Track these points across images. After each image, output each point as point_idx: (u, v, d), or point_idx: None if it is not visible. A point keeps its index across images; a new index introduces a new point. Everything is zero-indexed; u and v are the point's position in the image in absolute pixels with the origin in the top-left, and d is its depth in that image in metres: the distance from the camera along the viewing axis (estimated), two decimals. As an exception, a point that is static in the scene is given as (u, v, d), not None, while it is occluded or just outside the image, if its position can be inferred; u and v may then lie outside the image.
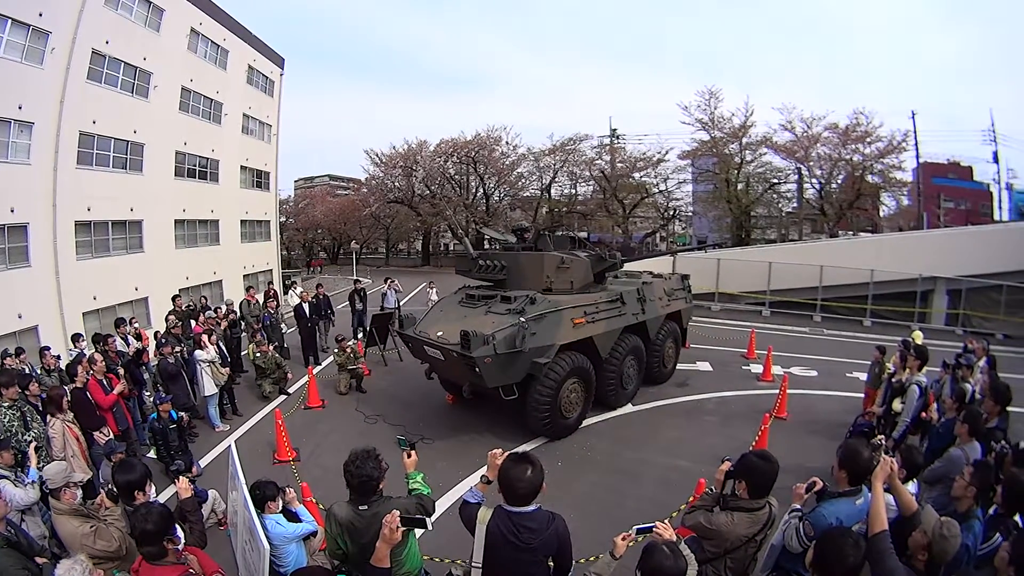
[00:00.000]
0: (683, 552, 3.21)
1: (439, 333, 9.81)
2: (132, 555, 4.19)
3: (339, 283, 37.54)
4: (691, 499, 6.66)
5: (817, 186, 42.87)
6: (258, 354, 12.74)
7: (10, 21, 15.26)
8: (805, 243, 35.91)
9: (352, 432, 10.65)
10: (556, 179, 52.94)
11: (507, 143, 51.19)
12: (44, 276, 16.82)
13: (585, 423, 10.66)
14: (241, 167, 29.44)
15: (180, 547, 3.84)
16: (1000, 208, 46.59)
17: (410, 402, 12.33)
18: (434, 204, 53.13)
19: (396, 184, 56.01)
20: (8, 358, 9.91)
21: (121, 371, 9.48)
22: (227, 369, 11.27)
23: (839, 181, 41.81)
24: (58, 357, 10.52)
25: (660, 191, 49.60)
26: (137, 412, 10.08)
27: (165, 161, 22.87)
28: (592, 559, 5.39)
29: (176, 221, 23.77)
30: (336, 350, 13.34)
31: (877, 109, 58.11)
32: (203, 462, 9.28)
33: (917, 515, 3.93)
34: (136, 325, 13.34)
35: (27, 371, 9.33)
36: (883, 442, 5.99)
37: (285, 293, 26.93)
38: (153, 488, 5.10)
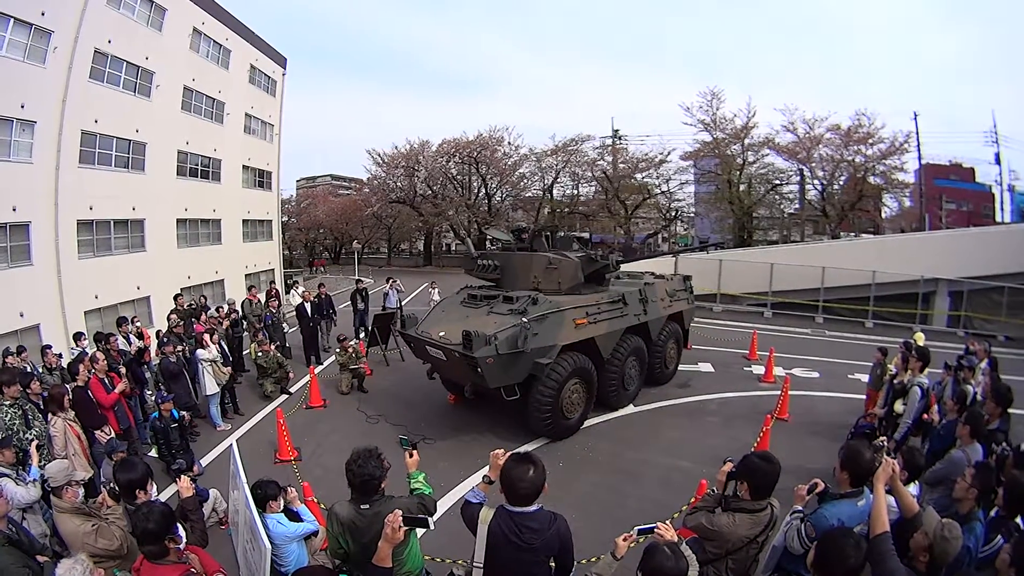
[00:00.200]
0: (684, 553, 3.21)
1: (441, 333, 9.80)
2: (133, 554, 4.19)
3: (341, 283, 37.54)
4: (692, 500, 6.66)
5: (819, 187, 42.90)
6: (260, 353, 12.74)
7: (12, 20, 15.32)
8: (807, 244, 35.86)
9: (354, 432, 10.64)
10: (558, 180, 52.96)
11: (509, 143, 51.27)
12: (46, 275, 16.86)
13: (587, 424, 10.65)
14: (243, 166, 29.51)
15: (182, 546, 3.84)
16: (1002, 210, 46.58)
17: (412, 402, 12.33)
18: (436, 204, 53.20)
19: (398, 184, 56.10)
20: (10, 356, 9.92)
21: (123, 370, 9.47)
22: (229, 368, 11.27)
23: (841, 182, 41.82)
24: (59, 355, 10.53)
25: (662, 192, 49.65)
26: (139, 411, 10.09)
27: (167, 160, 22.93)
28: (593, 560, 5.38)
29: (178, 220, 23.83)
30: (338, 350, 13.35)
31: (879, 110, 58.17)
32: (204, 461, 9.28)
33: (918, 517, 3.92)
34: (138, 324, 13.33)
35: (28, 369, 9.33)
36: (885, 443, 5.98)
37: (287, 292, 26.95)
38: (154, 487, 5.10)
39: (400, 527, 3.29)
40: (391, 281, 19.50)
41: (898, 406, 8.18)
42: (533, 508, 3.52)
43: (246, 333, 15.21)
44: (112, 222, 19.86)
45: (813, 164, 41.25)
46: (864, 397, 10.87)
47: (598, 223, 49.97)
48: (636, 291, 11.70)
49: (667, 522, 3.55)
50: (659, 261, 24.18)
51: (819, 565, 3.21)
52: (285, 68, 33.49)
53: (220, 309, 15.24)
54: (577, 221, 51.03)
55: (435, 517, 3.67)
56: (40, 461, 6.21)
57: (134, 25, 20.09)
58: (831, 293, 24.32)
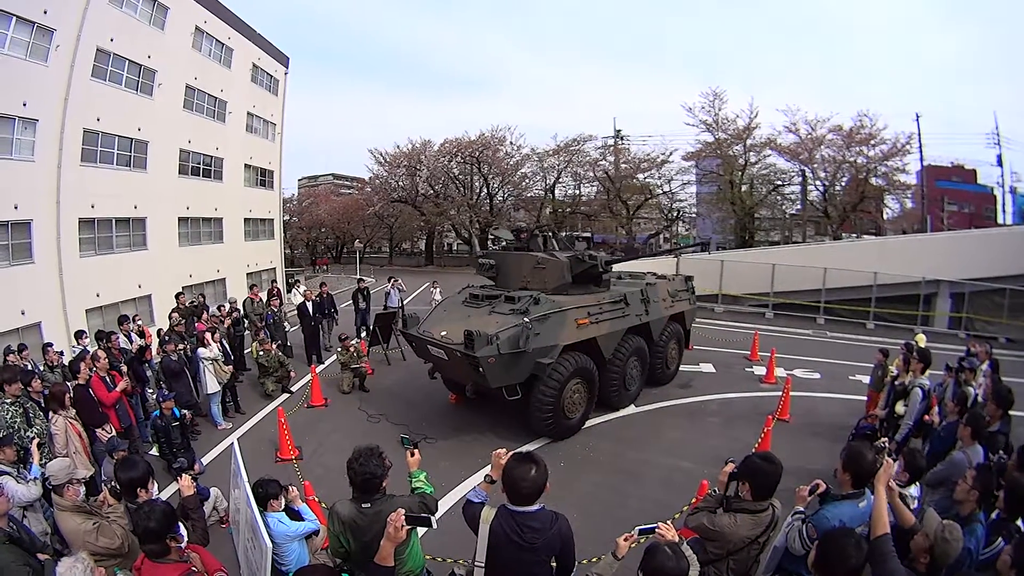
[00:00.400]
0: (685, 553, 3.21)
1: (443, 333, 9.80)
2: (134, 553, 4.20)
3: (342, 282, 37.55)
4: (694, 500, 6.65)
5: (821, 188, 42.90)
6: (261, 352, 12.76)
7: (15, 18, 15.31)
8: (809, 245, 35.87)
9: (355, 431, 10.64)
10: (560, 180, 53.05)
11: (511, 143, 51.25)
12: (47, 273, 16.86)
13: (588, 424, 10.65)
14: (245, 165, 29.48)
15: (183, 545, 3.84)
16: (1004, 211, 46.58)
17: (413, 401, 12.33)
18: (438, 204, 53.22)
19: (400, 183, 56.16)
20: (11, 355, 9.93)
21: (124, 368, 9.49)
22: (230, 367, 11.28)
23: (843, 183, 41.83)
24: (61, 353, 10.52)
25: (664, 192, 49.72)
26: (140, 409, 10.11)
27: (169, 159, 22.92)
28: (594, 560, 5.38)
29: (180, 219, 23.81)
30: (339, 349, 13.36)
31: (881, 111, 57.98)
32: (205, 460, 9.28)
33: (919, 519, 3.93)
34: (139, 322, 13.34)
35: (30, 368, 9.33)
36: (886, 445, 5.98)
37: (288, 292, 26.97)
38: (155, 485, 5.10)
39: (403, 526, 3.29)
40: (393, 280, 19.50)
41: (899, 407, 8.19)
42: (535, 508, 3.53)
43: (247, 332, 15.22)
44: (114, 220, 19.86)
45: (815, 165, 41.27)
46: (865, 398, 10.88)
47: (600, 223, 50.08)
48: (638, 291, 11.71)
49: (668, 522, 3.55)
50: (660, 261, 24.19)
51: (820, 565, 3.20)
52: (287, 67, 33.48)
53: (222, 308, 15.25)
54: (579, 221, 51.11)
55: (436, 516, 3.66)
56: (41, 459, 6.22)
57: (136, 24, 20.09)
58: (832, 294, 24.31)
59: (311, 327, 15.55)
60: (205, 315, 14.25)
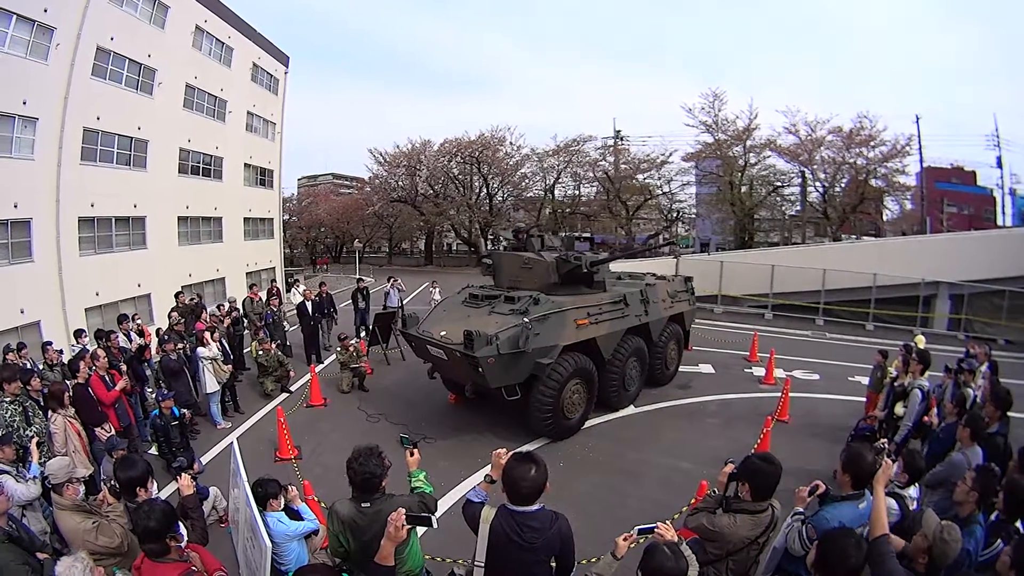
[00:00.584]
0: (684, 553, 3.21)
1: (442, 333, 9.81)
2: (134, 552, 4.20)
3: (342, 282, 37.54)
4: (693, 501, 6.66)
5: (820, 189, 42.91)
6: (260, 352, 12.76)
7: (15, 16, 15.29)
8: (808, 246, 35.87)
9: (354, 431, 10.65)
10: (560, 180, 53.08)
11: (511, 143, 51.28)
12: (47, 272, 16.84)
13: (587, 424, 10.66)
14: (245, 165, 29.44)
15: (183, 544, 3.84)
16: (1003, 213, 46.63)
17: (412, 401, 12.33)
18: (437, 204, 53.23)
19: (400, 183, 56.16)
20: (10, 353, 9.92)
21: (123, 367, 9.48)
22: (229, 366, 11.29)
23: (843, 185, 41.85)
24: (60, 352, 10.51)
25: (663, 193, 49.75)
26: (139, 408, 10.11)
27: (169, 158, 22.90)
28: (594, 560, 5.39)
29: (179, 218, 23.78)
30: (339, 348, 13.36)
31: (880, 112, 58.03)
32: (205, 459, 9.27)
33: (917, 519, 3.93)
34: (139, 321, 13.31)
35: (29, 366, 9.33)
36: (886, 446, 5.99)
37: (288, 291, 26.96)
38: (155, 485, 5.10)
39: (403, 525, 3.30)
40: (392, 280, 19.51)
41: (898, 408, 8.20)
42: (535, 507, 3.53)
43: (247, 331, 15.23)
44: (113, 219, 19.84)
45: (815, 166, 41.27)
46: (864, 399, 10.89)
47: (599, 224, 50.03)
48: (637, 292, 11.72)
49: (667, 522, 3.55)
50: (659, 262, 24.22)
51: (820, 565, 3.21)
52: (287, 66, 33.45)
53: (221, 307, 15.24)
54: (579, 222, 51.09)
55: (436, 516, 3.67)
56: (40, 458, 6.21)
57: (136, 22, 20.07)
58: (832, 295, 24.31)
59: (310, 327, 15.55)
60: (204, 314, 14.24)
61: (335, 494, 4.50)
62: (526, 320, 9.15)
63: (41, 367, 9.82)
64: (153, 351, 11.65)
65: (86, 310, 18.16)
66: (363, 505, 3.77)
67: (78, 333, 11.97)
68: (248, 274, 29.21)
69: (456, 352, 9.08)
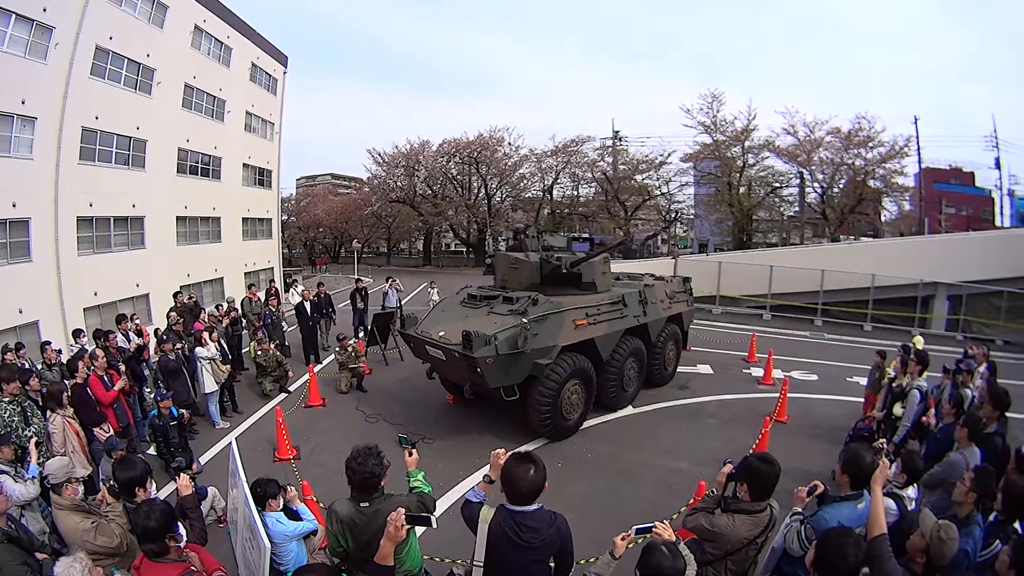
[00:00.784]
0: (682, 552, 3.22)
1: (441, 333, 9.81)
2: (133, 552, 4.20)
3: (340, 282, 37.54)
4: (691, 501, 6.67)
5: (819, 190, 43.05)
6: (259, 352, 12.75)
7: (14, 16, 15.29)
8: (806, 247, 35.96)
9: (352, 431, 10.64)
10: (558, 180, 53.20)
11: (509, 144, 51.42)
12: (45, 271, 16.84)
13: (586, 424, 10.65)
14: (243, 165, 29.46)
15: (182, 544, 3.84)
16: (1002, 214, 46.66)
17: (411, 402, 12.33)
18: (436, 204, 53.29)
19: (398, 184, 56.23)
20: (8, 353, 9.91)
21: (122, 367, 9.48)
22: (228, 366, 11.27)
23: (841, 185, 41.97)
24: (59, 352, 10.50)
25: (662, 193, 49.89)
26: (137, 408, 10.10)
27: (167, 158, 22.90)
28: (592, 559, 5.39)
29: (178, 218, 23.78)
30: (337, 349, 13.35)
31: (879, 114, 58.26)
32: (203, 459, 9.28)
33: (915, 519, 3.94)
34: (137, 321, 13.30)
35: (27, 366, 9.32)
36: (884, 446, 6.00)
37: (286, 291, 26.96)
38: (154, 485, 5.10)
39: (403, 525, 3.30)
40: (390, 280, 19.50)
41: (897, 409, 8.21)
42: (533, 507, 3.53)
43: (245, 331, 15.22)
44: (112, 219, 19.83)
45: (813, 167, 41.40)
46: (862, 400, 10.89)
47: (598, 224, 50.07)
48: (636, 292, 11.72)
49: (665, 522, 3.56)
50: (657, 263, 24.27)
51: (819, 565, 3.22)
52: (286, 66, 33.45)
53: (220, 307, 15.22)
54: (577, 222, 51.14)
55: (435, 516, 3.67)
56: (39, 458, 6.21)
57: (135, 22, 20.07)
58: (830, 296, 24.32)
59: (309, 327, 15.55)
60: (203, 315, 14.24)
61: (334, 494, 4.50)
62: (524, 320, 9.15)
63: (39, 367, 9.81)
64: (151, 351, 11.63)
65: (84, 310, 18.17)
66: (362, 505, 3.78)
67: (76, 333, 11.96)
68: (246, 274, 29.25)
69: (454, 352, 9.08)
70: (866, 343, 19.37)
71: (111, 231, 19.87)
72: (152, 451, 8.91)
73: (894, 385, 8.63)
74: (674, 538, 3.42)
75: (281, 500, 5.35)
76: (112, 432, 7.60)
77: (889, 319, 23.50)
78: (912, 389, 7.98)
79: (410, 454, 4.42)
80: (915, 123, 40.92)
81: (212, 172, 26.58)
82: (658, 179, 49.23)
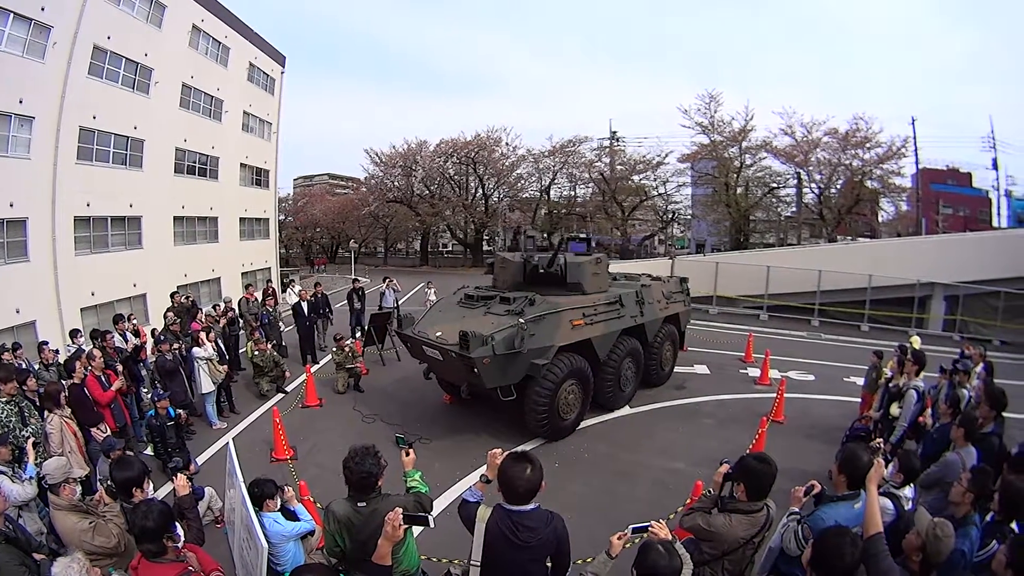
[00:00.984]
0: (678, 551, 3.22)
1: (438, 333, 9.81)
2: (130, 552, 4.20)
3: (337, 282, 37.54)
4: (688, 501, 6.68)
5: (816, 191, 43.08)
6: (256, 352, 12.73)
7: (12, 15, 15.25)
8: (804, 248, 36.04)
9: (350, 431, 10.63)
10: (555, 181, 53.21)
11: (507, 144, 51.49)
12: (42, 271, 16.80)
13: (583, 425, 10.66)
14: (241, 164, 29.40)
15: (180, 544, 3.84)
16: (999, 215, 46.79)
17: (408, 402, 12.33)
18: (433, 204, 53.27)
19: (395, 184, 56.20)
20: (5, 353, 9.90)
21: (119, 367, 9.47)
22: (225, 367, 11.27)
23: (838, 186, 42.03)
24: (56, 352, 10.50)
25: (659, 194, 49.92)
26: (135, 409, 10.08)
27: (165, 157, 22.84)
28: (589, 559, 5.40)
29: (175, 218, 23.72)
30: (334, 349, 13.33)
31: (877, 114, 58.43)
32: (200, 460, 9.26)
33: (911, 518, 3.95)
34: (134, 321, 13.31)
35: (24, 366, 9.31)
36: (881, 446, 6.01)
37: (283, 291, 26.95)
38: (151, 485, 5.09)
39: (400, 525, 3.30)
40: (388, 281, 19.48)
41: (894, 409, 8.22)
42: (530, 507, 3.54)
43: (242, 332, 15.20)
44: (109, 219, 19.79)
45: (810, 167, 41.48)
46: (859, 400, 10.92)
47: (595, 224, 50.13)
48: (633, 293, 11.74)
49: (661, 521, 3.57)
50: (654, 263, 24.30)
51: (815, 564, 3.22)
52: (284, 66, 33.38)
53: (217, 307, 15.21)
54: (574, 222, 51.19)
55: (432, 516, 3.67)
56: (36, 459, 6.20)
57: (133, 21, 20.03)
58: (827, 296, 24.39)
59: (306, 327, 15.55)
60: (200, 315, 14.23)
61: (331, 494, 4.51)
62: (521, 321, 9.16)
63: (37, 367, 9.81)
64: (149, 351, 11.61)
65: (82, 310, 18.13)
66: (359, 505, 3.78)
67: (74, 333, 11.97)
68: (244, 274, 29.24)
69: (451, 353, 9.09)
70: (863, 343, 19.41)
71: (108, 231, 19.83)
72: (149, 451, 8.90)
73: (891, 385, 8.65)
74: (670, 537, 3.43)
75: (278, 500, 5.34)
76: (109, 432, 7.60)
77: (886, 319, 23.56)
78: (909, 389, 7.99)
79: (407, 454, 4.42)
80: (912, 124, 41.25)
81: (209, 172, 26.53)
82: (655, 179, 49.34)
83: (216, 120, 26.67)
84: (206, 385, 10.75)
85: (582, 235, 14.57)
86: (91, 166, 18.70)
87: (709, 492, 4.41)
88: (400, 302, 20.16)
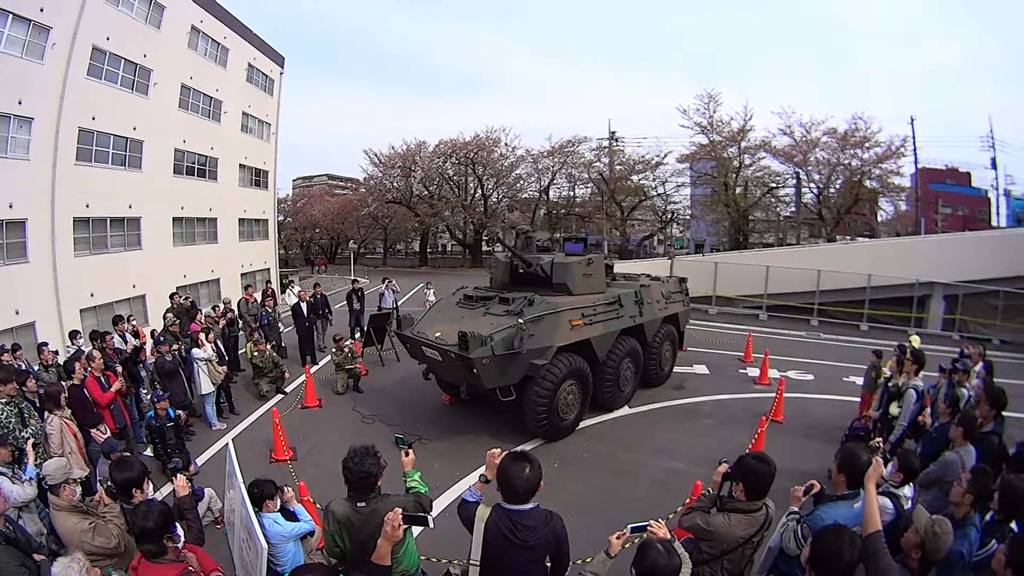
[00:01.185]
0: (677, 550, 3.22)
1: (437, 334, 9.82)
2: (130, 553, 4.20)
3: (337, 283, 37.53)
4: (687, 501, 6.69)
5: (815, 191, 43.12)
6: (255, 353, 12.72)
7: (11, 16, 15.24)
8: (803, 247, 36.04)
9: (349, 432, 10.63)
10: (554, 181, 53.25)
11: (506, 144, 51.54)
12: (42, 272, 16.78)
13: (582, 425, 10.67)
14: (240, 165, 29.39)
15: (180, 545, 3.84)
16: (998, 214, 46.82)
17: (407, 402, 12.33)
18: (432, 205, 53.29)
19: (394, 184, 56.23)
20: (5, 354, 9.89)
21: (119, 368, 9.47)
22: (224, 368, 11.27)
23: (837, 186, 42.06)
24: (56, 353, 10.51)
25: (658, 194, 49.97)
26: (134, 410, 10.08)
27: (164, 158, 22.82)
28: (588, 559, 5.40)
29: (174, 219, 23.70)
30: (334, 350, 13.32)
31: (876, 114, 58.53)
32: (200, 460, 9.27)
33: (911, 517, 3.95)
34: (133, 322, 13.31)
35: (24, 367, 9.31)
36: (880, 445, 6.01)
37: (283, 292, 26.94)
38: (151, 486, 5.10)
39: (400, 525, 3.31)
40: (387, 281, 19.47)
41: (893, 408, 8.23)
42: (529, 506, 3.55)
43: (242, 332, 15.20)
44: (108, 220, 19.77)
45: (809, 167, 41.51)
46: (858, 400, 10.92)
47: (594, 224, 50.15)
48: (632, 293, 11.75)
49: (660, 520, 3.57)
50: (654, 263, 24.32)
51: (815, 562, 3.22)
52: (283, 67, 33.35)
53: (216, 308, 15.21)
54: (573, 223, 51.21)
55: (432, 516, 3.68)
56: (36, 460, 6.20)
57: (132, 22, 20.02)
58: (826, 296, 24.40)
59: (305, 328, 15.55)
60: (200, 316, 14.23)
61: (330, 495, 4.51)
62: (520, 321, 9.16)
63: (36, 368, 9.81)
64: (148, 352, 11.61)
65: (81, 311, 18.11)
66: (359, 505, 3.79)
67: (73, 334, 11.98)
68: (243, 275, 29.24)
69: (451, 353, 9.10)
70: (862, 343, 19.42)
71: (107, 232, 19.81)
72: (149, 452, 8.89)
73: (890, 385, 8.65)
74: (669, 536, 3.43)
75: (278, 501, 5.34)
76: (109, 434, 7.60)
77: (885, 319, 23.57)
78: (908, 388, 7.99)
79: (407, 454, 4.43)
80: (911, 123, 41.16)
81: (208, 173, 26.51)
82: (654, 180, 49.43)
83: (215, 121, 26.65)
84: (205, 386, 10.75)
85: (580, 235, 14.59)
86: (90, 167, 18.68)
87: (708, 492, 4.42)
88: (399, 303, 20.18)
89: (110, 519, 4.56)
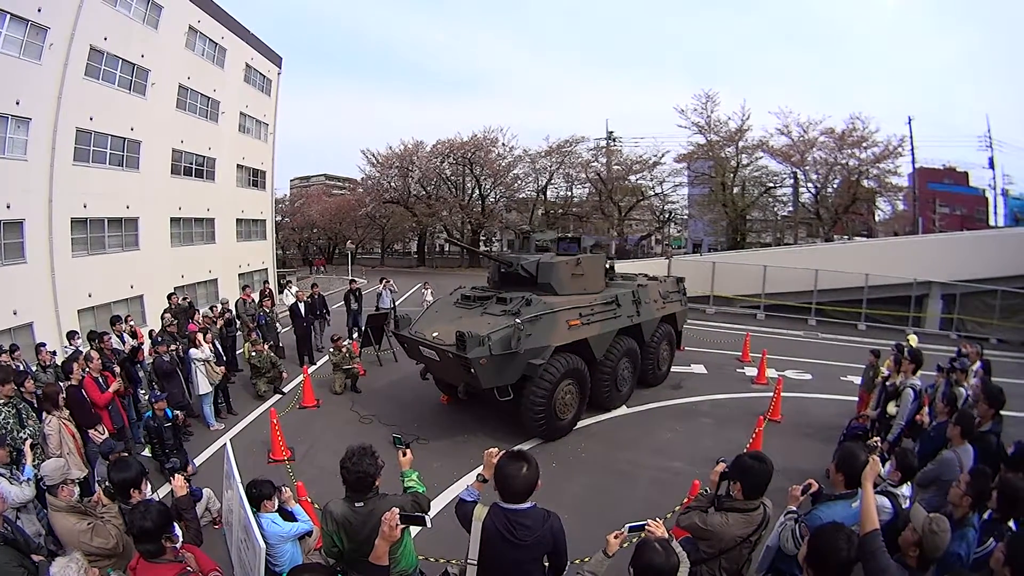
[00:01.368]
0: (675, 549, 3.23)
1: (435, 334, 9.82)
2: (128, 553, 4.20)
3: (334, 283, 37.51)
4: (685, 500, 6.68)
5: (813, 190, 43.20)
6: (253, 353, 12.71)
7: (9, 16, 15.26)
8: (800, 247, 36.03)
9: (347, 432, 10.61)
10: (552, 181, 53.22)
11: (503, 144, 51.51)
12: (39, 273, 16.80)
13: (579, 424, 10.66)
14: (237, 166, 29.45)
15: (178, 545, 3.84)
16: (995, 213, 46.91)
17: (405, 402, 12.33)
18: (430, 205, 53.32)
19: (392, 184, 56.27)
20: (3, 355, 9.88)
21: (117, 369, 9.46)
22: (222, 368, 11.25)
23: (835, 185, 42.16)
24: (53, 353, 10.50)
25: (656, 194, 50.00)
26: (132, 410, 10.05)
27: (161, 159, 22.86)
28: (586, 559, 5.40)
29: (172, 219, 23.75)
30: (331, 350, 13.30)
31: (874, 114, 58.56)
32: (198, 461, 9.25)
33: (906, 514, 3.96)
34: (131, 323, 13.30)
35: (22, 368, 9.30)
36: (878, 444, 6.02)
37: (280, 292, 26.95)
38: (149, 486, 5.09)
39: (397, 525, 3.31)
40: (384, 281, 19.42)
41: (891, 408, 8.24)
42: (527, 505, 3.56)
43: (240, 333, 15.18)
44: (106, 220, 19.80)
45: (807, 167, 41.59)
46: (856, 399, 10.92)
47: (592, 224, 50.16)
48: (629, 292, 11.74)
49: (658, 520, 3.57)
50: (651, 263, 24.33)
51: (812, 560, 3.23)
52: (280, 67, 33.43)
53: (214, 308, 15.19)
54: (571, 223, 51.21)
55: (429, 516, 3.68)
56: (34, 460, 6.20)
57: (130, 23, 20.05)
58: (824, 296, 24.42)
59: (303, 328, 15.52)
60: (197, 316, 14.21)
61: (328, 495, 4.51)
62: (518, 321, 9.15)
63: (34, 369, 9.81)
64: (146, 352, 11.60)
65: (79, 311, 18.13)
66: (357, 505, 3.80)
67: (71, 335, 11.96)
68: (241, 275, 29.25)
69: (448, 353, 9.10)
70: (860, 342, 19.42)
71: (105, 232, 19.83)
72: (147, 453, 8.87)
73: (888, 384, 8.67)
74: (667, 536, 3.43)
75: (276, 501, 5.33)
76: (107, 434, 7.59)
77: (883, 318, 23.59)
78: (906, 388, 8.01)
79: (404, 454, 4.43)
80: (909, 123, 41.09)
81: (206, 173, 26.56)
82: (652, 179, 49.45)
83: (212, 121, 26.69)
84: (203, 386, 10.74)
85: (572, 235, 14.60)
86: (88, 167, 18.71)
87: (706, 491, 4.41)
88: (397, 303, 20.16)
89: (108, 519, 4.56)
